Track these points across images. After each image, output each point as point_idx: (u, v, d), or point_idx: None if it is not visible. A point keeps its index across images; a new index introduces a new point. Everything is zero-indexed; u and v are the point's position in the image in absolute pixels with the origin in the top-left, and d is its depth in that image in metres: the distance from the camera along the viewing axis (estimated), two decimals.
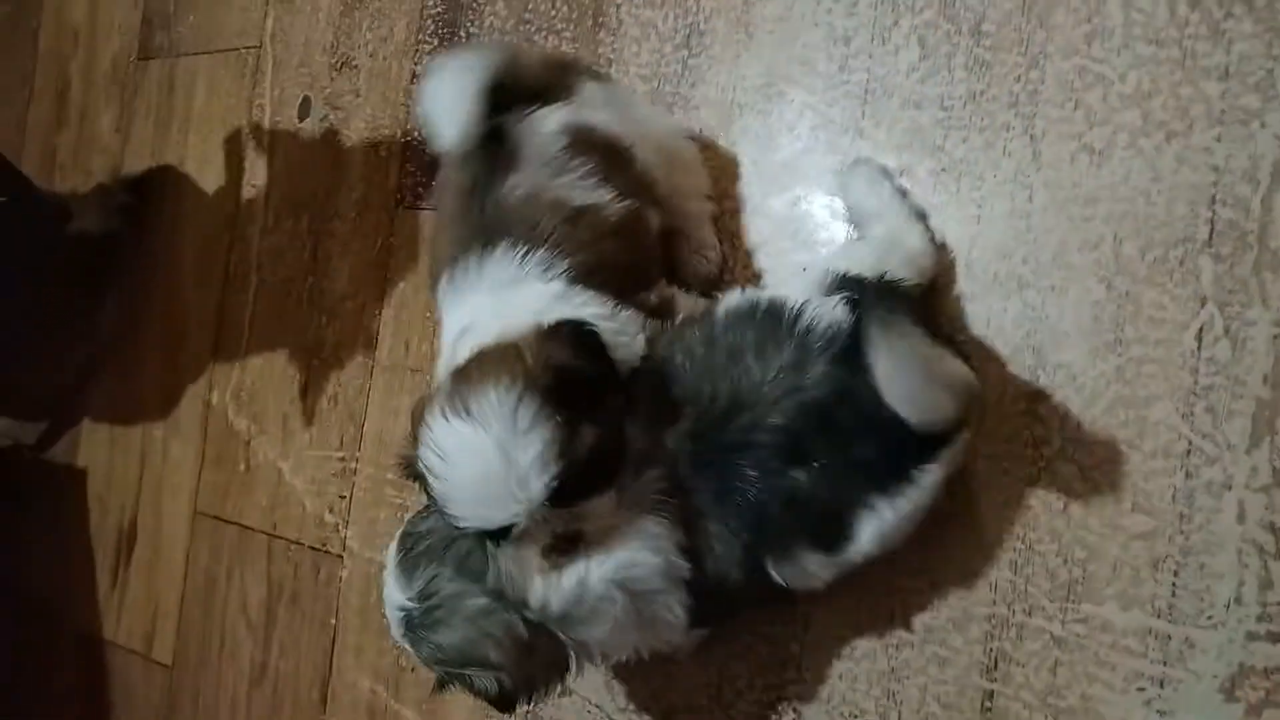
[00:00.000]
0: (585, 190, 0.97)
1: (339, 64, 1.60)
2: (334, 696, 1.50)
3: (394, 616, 0.94)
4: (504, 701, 0.90)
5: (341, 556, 1.50)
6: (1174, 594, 0.89)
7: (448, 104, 0.98)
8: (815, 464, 0.82)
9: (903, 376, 0.77)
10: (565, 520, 0.83)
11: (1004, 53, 1.02)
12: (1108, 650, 0.92)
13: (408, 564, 0.93)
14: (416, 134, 1.47)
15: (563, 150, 0.97)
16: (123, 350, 1.89)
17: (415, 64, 1.49)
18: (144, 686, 1.78)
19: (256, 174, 1.70)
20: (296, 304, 1.61)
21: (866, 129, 1.09)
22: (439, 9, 1.48)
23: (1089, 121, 0.97)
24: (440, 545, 0.92)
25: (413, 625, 0.92)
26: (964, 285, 1.02)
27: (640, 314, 0.98)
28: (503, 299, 0.93)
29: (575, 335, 0.85)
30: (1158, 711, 0.89)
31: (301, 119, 1.64)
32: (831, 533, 0.85)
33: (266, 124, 1.69)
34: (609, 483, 0.84)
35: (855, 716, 1.04)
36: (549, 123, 0.99)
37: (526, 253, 0.93)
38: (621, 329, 0.94)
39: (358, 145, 1.55)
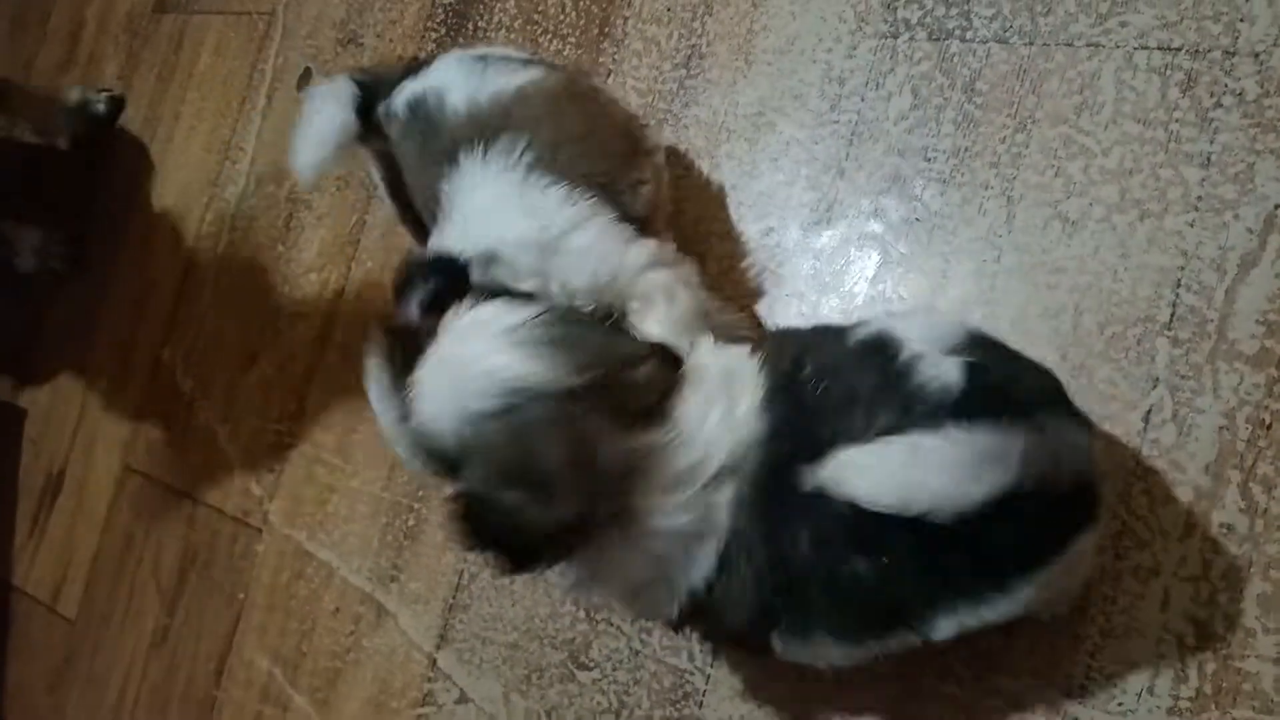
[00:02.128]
0: (516, 72, 1.00)
1: (345, 40, 1.58)
2: (230, 672, 1.43)
3: (487, 390, 0.72)
4: (544, 542, 0.73)
5: (261, 530, 1.44)
6: (1088, 676, 0.86)
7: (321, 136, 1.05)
8: (885, 559, 0.69)
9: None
10: None
11: (994, 113, 1.01)
12: None
13: (564, 348, 0.75)
14: None
15: (473, 62, 1.01)
16: (86, 294, 1.84)
17: (420, 50, 1.48)
18: (44, 637, 1.71)
19: (247, 138, 1.68)
20: (262, 270, 1.58)
21: (848, 170, 1.08)
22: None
23: (1067, 191, 0.96)
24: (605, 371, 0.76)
25: (516, 414, 0.72)
26: None
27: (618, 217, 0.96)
28: (474, 207, 0.94)
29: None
30: None
31: (300, 89, 1.62)
32: (876, 627, 0.74)
33: (265, 90, 1.67)
34: None
35: None
36: (450, 61, 1.03)
37: (485, 149, 0.94)
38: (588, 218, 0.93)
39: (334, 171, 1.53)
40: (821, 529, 0.70)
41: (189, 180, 1.74)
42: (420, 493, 1.29)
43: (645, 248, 0.96)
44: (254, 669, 1.40)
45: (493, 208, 0.95)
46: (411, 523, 1.29)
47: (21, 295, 1.89)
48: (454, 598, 1.23)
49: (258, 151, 1.65)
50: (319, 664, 1.34)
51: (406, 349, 0.80)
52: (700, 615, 0.79)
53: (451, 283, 0.85)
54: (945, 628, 0.72)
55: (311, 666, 1.34)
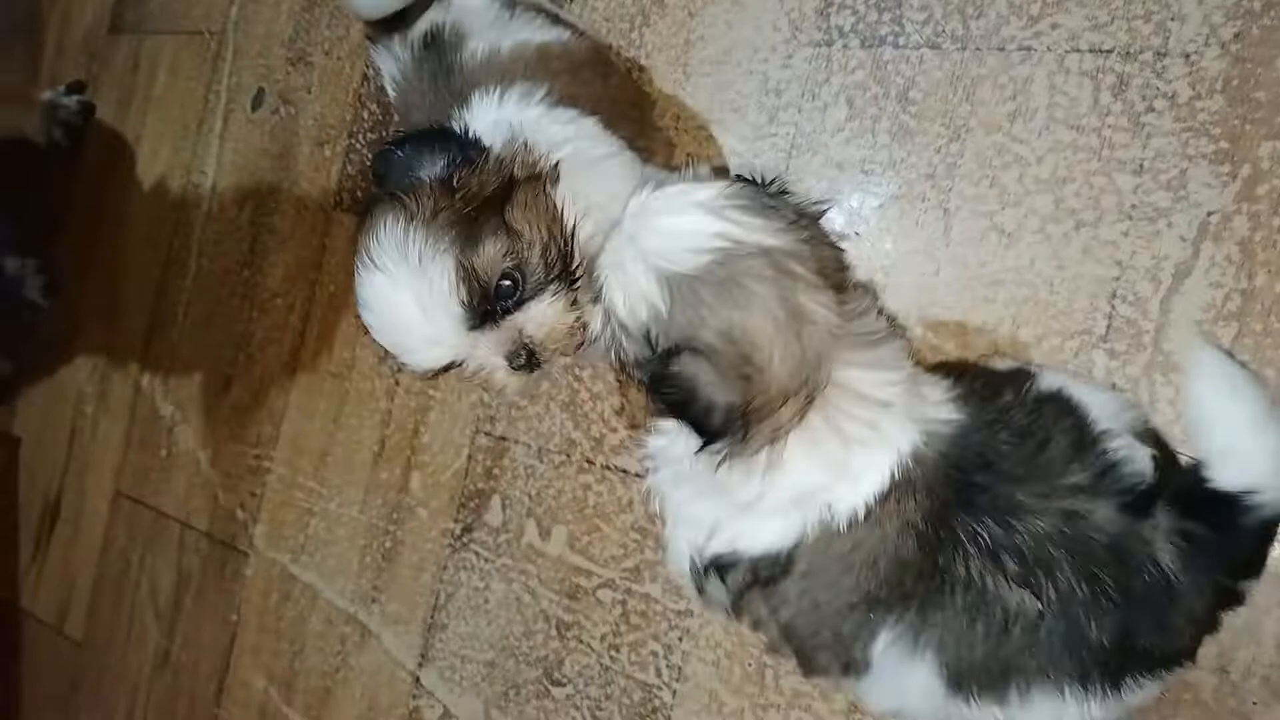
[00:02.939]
0: (542, 28, 0.98)
1: (295, 58, 1.55)
2: (229, 692, 1.45)
3: (694, 242, 0.67)
4: (728, 419, 0.66)
5: (247, 554, 1.46)
6: None
7: None
8: (1039, 603, 0.66)
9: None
10: (510, 337, 0.78)
11: (928, 122, 0.98)
12: None
13: (768, 208, 0.70)
14: (360, 136, 1.43)
15: (502, 7, 0.99)
16: (64, 318, 1.84)
17: (366, 66, 1.45)
18: (52, 659, 1.73)
19: (207, 160, 1.66)
20: (230, 295, 1.56)
21: (788, 184, 1.05)
22: None
23: (1002, 201, 0.93)
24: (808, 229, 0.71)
25: (731, 266, 0.66)
26: None
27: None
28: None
29: (428, 139, 0.80)
30: None
31: (254, 110, 1.59)
32: (983, 678, 0.69)
33: (221, 111, 1.64)
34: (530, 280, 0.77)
35: None
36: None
37: (503, 92, 0.88)
38: (607, 149, 0.89)
39: (304, 142, 1.51)
40: (998, 540, 0.66)
41: (154, 205, 1.72)
42: (395, 514, 1.30)
43: None
44: (251, 689, 1.42)
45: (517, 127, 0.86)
46: (389, 544, 1.30)
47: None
48: (432, 617, 1.24)
49: (218, 175, 1.63)
50: (311, 683, 1.36)
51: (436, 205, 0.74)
52: (784, 574, 0.71)
53: (468, 156, 0.78)
54: (1031, 713, 0.68)
55: (304, 685, 1.36)
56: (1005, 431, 0.70)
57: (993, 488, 0.68)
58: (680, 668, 1.04)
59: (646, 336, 0.67)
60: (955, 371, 0.79)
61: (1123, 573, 0.65)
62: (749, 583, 0.74)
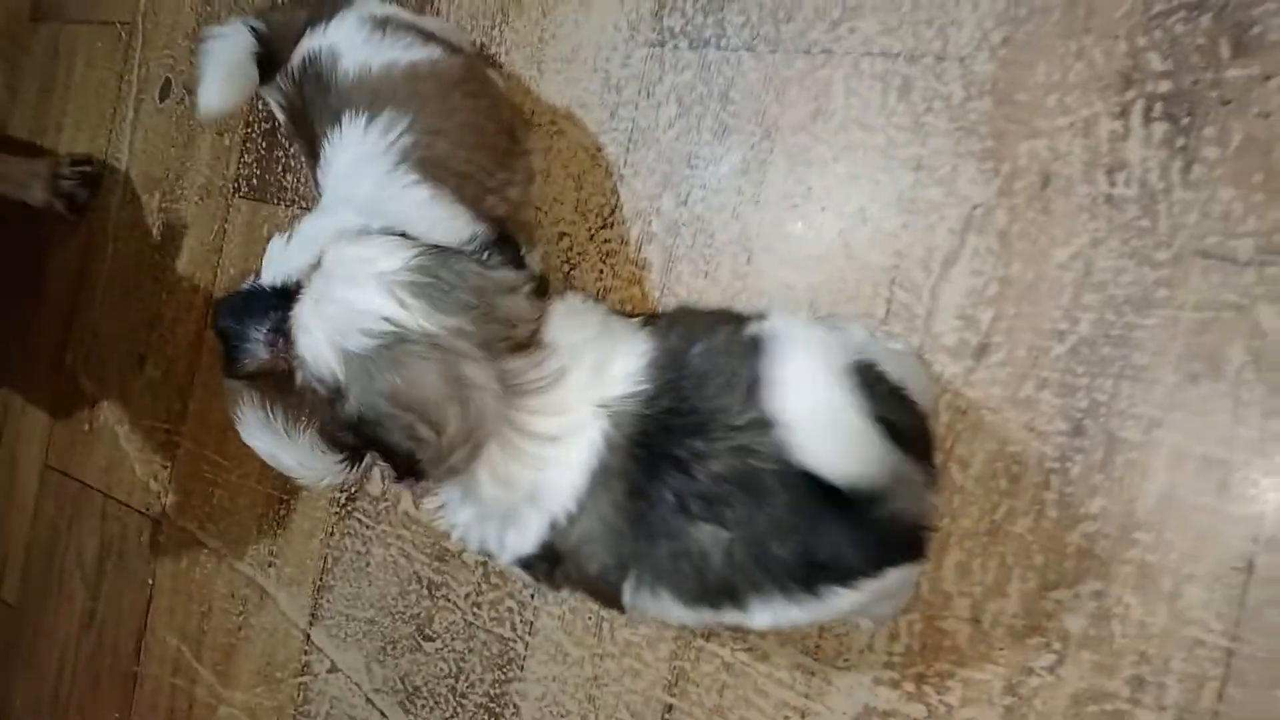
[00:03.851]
0: (411, 47, 0.99)
1: (197, 49, 1.58)
2: (147, 650, 1.53)
3: (369, 327, 0.75)
4: (421, 465, 0.77)
5: (160, 522, 1.53)
6: (821, 635, 0.94)
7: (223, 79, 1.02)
8: (727, 533, 0.73)
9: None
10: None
11: (744, 120, 1.04)
12: (764, 680, 0.97)
13: (430, 292, 0.76)
14: (256, 126, 1.48)
15: (373, 29, 1.00)
16: None
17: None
18: None
19: (121, 148, 1.70)
20: (143, 277, 1.62)
21: (627, 176, 1.12)
22: (286, 2, 1.47)
23: (806, 197, 1.00)
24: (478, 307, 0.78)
25: (398, 348, 0.74)
26: None
27: (478, 215, 0.97)
28: (344, 183, 0.95)
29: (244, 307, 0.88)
30: None
31: (162, 100, 1.64)
32: (710, 597, 0.76)
33: (132, 101, 1.68)
34: None
35: (561, 715, 1.09)
36: (348, 20, 1.01)
37: (369, 120, 0.94)
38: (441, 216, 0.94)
39: (206, 131, 1.55)
40: (682, 492, 0.74)
41: None
42: (289, 485, 1.37)
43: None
44: (166, 646, 1.51)
45: (359, 191, 0.95)
46: (283, 513, 1.37)
47: None
48: (321, 580, 1.32)
49: (130, 162, 1.68)
50: (217, 640, 1.44)
51: (276, 385, 0.84)
52: (559, 558, 0.81)
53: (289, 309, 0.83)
54: (761, 616, 0.75)
55: (211, 643, 1.44)
56: (693, 381, 0.77)
57: (674, 449, 0.75)
58: (532, 622, 1.13)
59: (332, 392, 0.77)
60: (676, 321, 0.84)
61: (791, 497, 0.71)
62: (547, 570, 0.82)
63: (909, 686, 0.90)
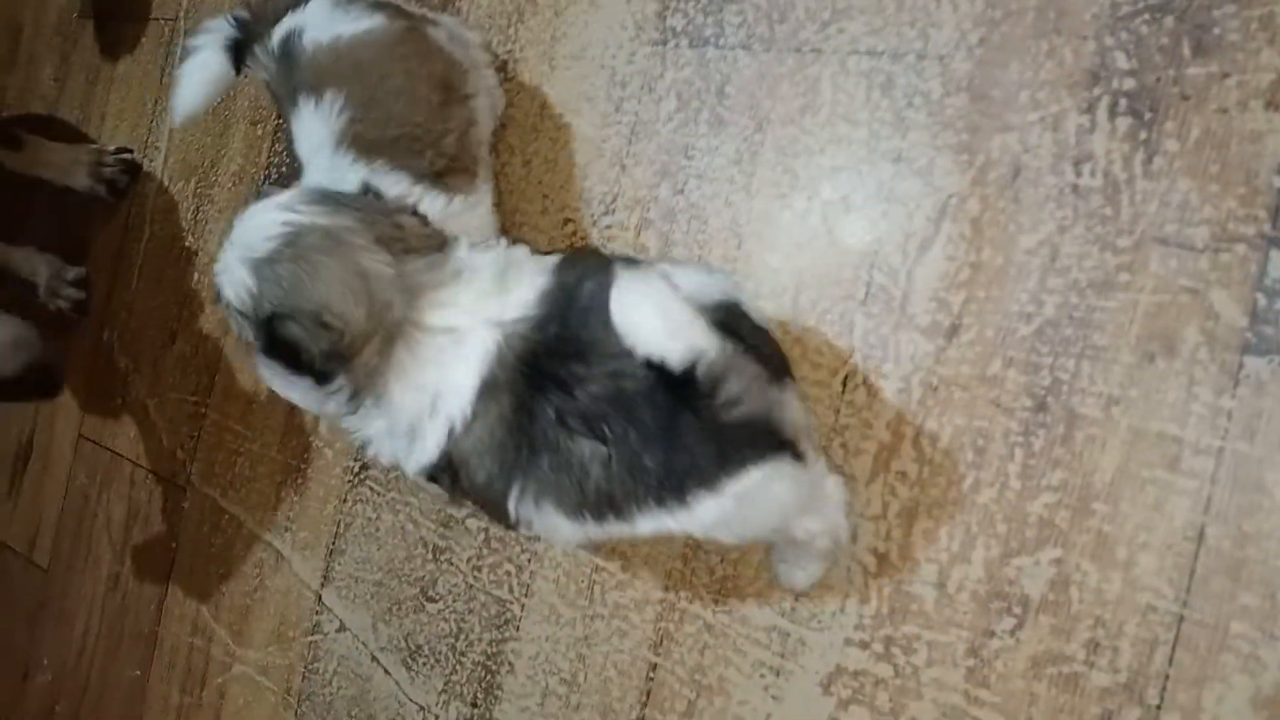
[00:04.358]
0: (358, 19, 1.05)
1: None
2: (167, 610, 1.60)
3: (267, 231, 0.84)
4: (328, 361, 0.84)
5: (185, 489, 1.60)
6: (796, 599, 0.99)
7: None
8: (605, 448, 0.79)
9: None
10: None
11: (738, 114, 1.09)
12: (742, 640, 1.01)
13: (331, 201, 0.86)
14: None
15: (335, 4, 1.06)
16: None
17: None
18: (23, 582, 1.89)
19: (160, 137, 1.78)
20: (177, 258, 1.69)
21: (628, 165, 1.17)
22: None
23: (793, 185, 1.05)
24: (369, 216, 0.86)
25: (294, 245, 0.83)
26: None
27: (417, 174, 1.03)
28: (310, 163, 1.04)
29: None
30: (772, 696, 0.99)
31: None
32: (591, 509, 0.81)
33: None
34: None
35: (553, 673, 1.14)
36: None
37: (316, 101, 1.02)
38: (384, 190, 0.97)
39: (240, 120, 1.63)
40: (563, 409, 0.80)
41: None
42: (306, 455, 1.43)
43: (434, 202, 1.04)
44: (185, 606, 1.57)
45: (319, 178, 1.03)
46: (299, 480, 1.43)
47: None
48: (333, 544, 1.38)
49: (170, 150, 1.76)
50: (234, 601, 1.50)
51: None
52: (452, 469, 0.86)
53: None
54: (644, 525, 0.81)
55: (228, 604, 1.51)
56: (579, 312, 0.82)
57: (559, 370, 0.80)
58: (529, 585, 1.18)
59: (252, 316, 0.84)
60: (577, 261, 0.89)
61: (656, 413, 0.77)
62: (450, 480, 0.88)
63: (878, 648, 0.94)
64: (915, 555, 0.94)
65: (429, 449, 0.86)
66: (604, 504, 0.81)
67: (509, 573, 1.20)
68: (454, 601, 1.24)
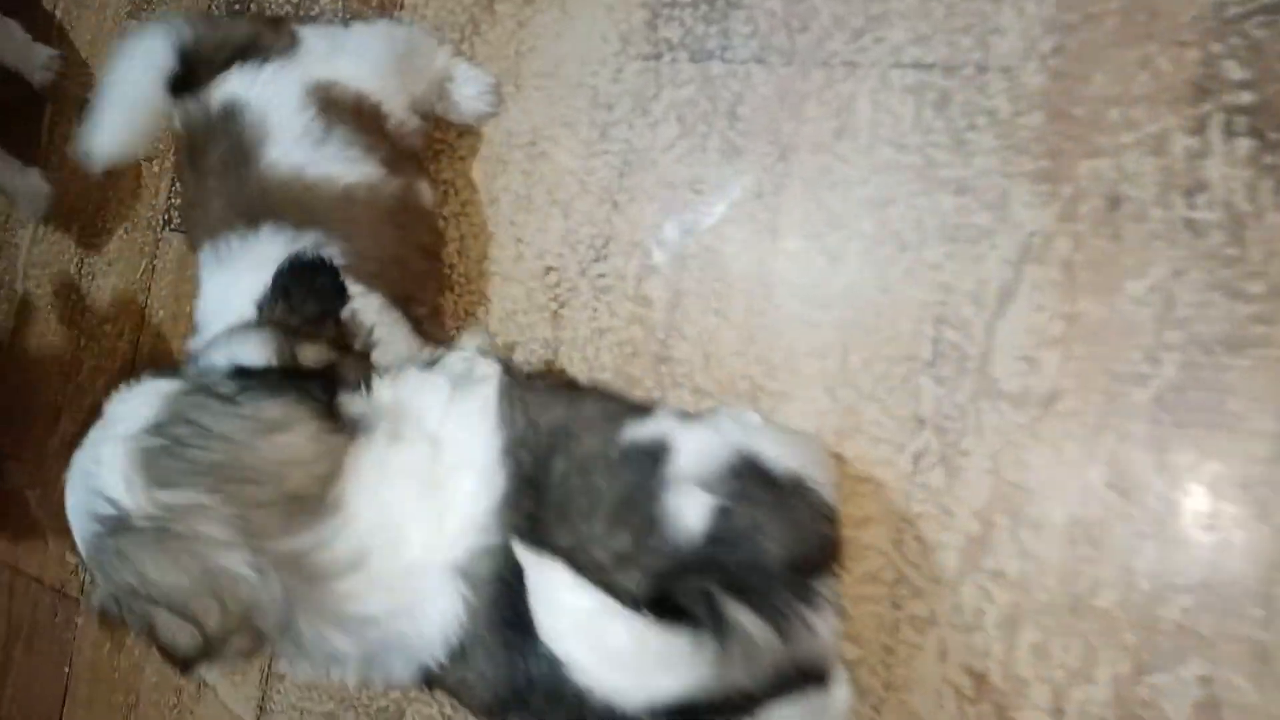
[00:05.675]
0: (352, 165, 0.85)
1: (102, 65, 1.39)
2: None
3: (96, 509, 0.60)
4: (189, 661, 0.62)
5: (78, 600, 1.30)
6: None
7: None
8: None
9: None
10: None
11: (756, 140, 0.90)
12: None
13: (159, 460, 0.60)
14: None
15: (313, 119, 0.85)
16: None
17: None
18: None
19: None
20: (59, 321, 1.40)
21: (621, 202, 0.96)
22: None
23: (828, 223, 0.86)
24: (223, 464, 0.61)
25: (122, 537, 0.59)
26: (700, 381, 0.90)
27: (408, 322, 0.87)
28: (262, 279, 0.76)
29: None
30: None
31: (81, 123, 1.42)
32: None
33: (46, 125, 1.47)
34: None
35: None
36: (287, 84, 0.86)
37: (296, 236, 0.81)
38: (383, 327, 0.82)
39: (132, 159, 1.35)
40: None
41: None
42: None
43: None
44: None
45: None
46: None
47: None
48: (269, 667, 1.12)
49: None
50: None
51: None
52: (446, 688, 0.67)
53: None
54: None
55: None
56: (553, 511, 0.63)
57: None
58: None
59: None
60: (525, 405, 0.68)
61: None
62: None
63: None
64: (1020, 673, 0.75)
65: (405, 676, 0.64)
66: None
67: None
68: None
